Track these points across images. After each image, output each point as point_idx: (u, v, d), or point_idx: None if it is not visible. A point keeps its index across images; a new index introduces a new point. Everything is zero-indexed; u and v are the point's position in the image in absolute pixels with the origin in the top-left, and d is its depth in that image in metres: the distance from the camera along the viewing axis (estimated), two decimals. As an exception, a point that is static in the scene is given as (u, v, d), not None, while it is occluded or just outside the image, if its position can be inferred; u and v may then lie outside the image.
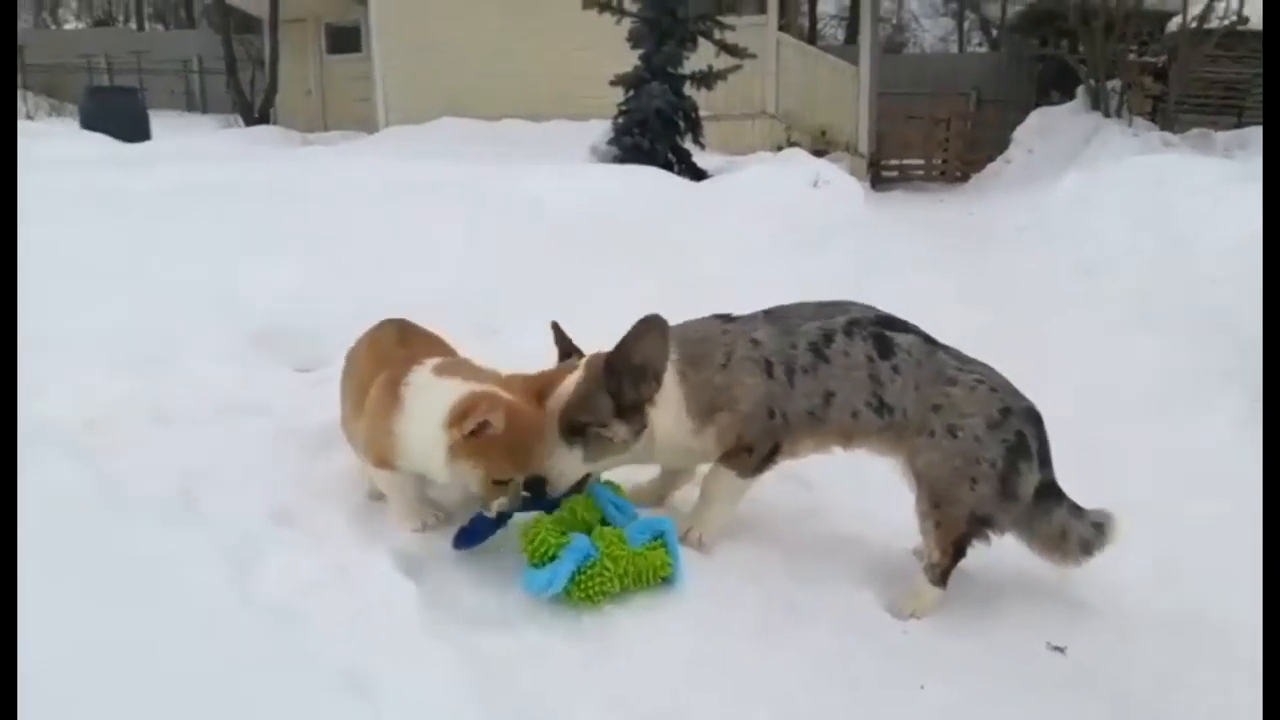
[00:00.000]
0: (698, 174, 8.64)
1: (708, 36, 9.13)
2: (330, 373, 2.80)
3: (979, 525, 2.15)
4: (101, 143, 10.50)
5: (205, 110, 20.38)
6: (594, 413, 2.03)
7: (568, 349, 2.27)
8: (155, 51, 21.37)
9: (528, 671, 1.71)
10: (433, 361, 2.06)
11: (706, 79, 8.95)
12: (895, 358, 2.16)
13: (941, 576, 2.16)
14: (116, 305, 3.29)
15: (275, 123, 15.16)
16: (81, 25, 33.00)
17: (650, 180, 5.93)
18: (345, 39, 17.27)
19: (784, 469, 2.49)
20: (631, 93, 9.01)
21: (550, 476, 2.03)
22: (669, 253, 4.44)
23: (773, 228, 5.29)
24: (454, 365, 2.09)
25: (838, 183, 7.39)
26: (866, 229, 6.59)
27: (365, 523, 2.10)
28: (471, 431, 1.84)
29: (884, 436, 2.20)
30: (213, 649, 1.54)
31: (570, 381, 2.06)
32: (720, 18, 9.37)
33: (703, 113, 9.29)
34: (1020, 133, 13.32)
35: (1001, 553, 2.22)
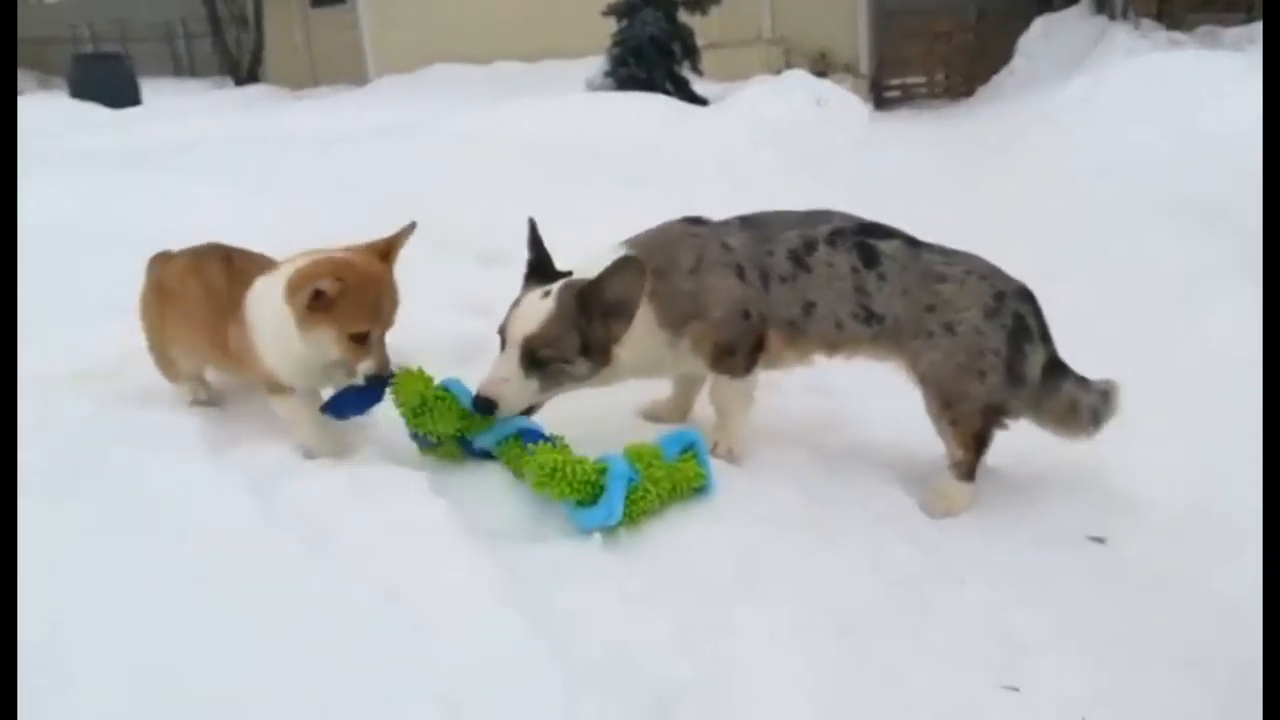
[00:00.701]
0: (696, 102, 8.48)
1: (697, -40, 8.91)
2: None
3: (994, 415, 2.13)
4: (93, 110, 10.44)
5: (194, 74, 20.10)
6: (559, 348, 1.99)
7: (541, 257, 2.17)
8: (137, 18, 20.98)
9: (567, 583, 1.68)
10: (263, 274, 2.04)
11: (700, 3, 8.75)
12: (881, 265, 2.13)
13: (968, 472, 2.16)
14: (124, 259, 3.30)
15: (265, 81, 14.94)
16: (61, -4, 32.40)
17: (645, 105, 5.83)
18: (328, -9, 16.94)
19: (803, 379, 2.48)
20: (624, 22, 8.82)
21: (502, 400, 1.98)
22: (668, 178, 4.38)
23: (776, 150, 5.20)
24: (281, 262, 2.05)
25: (841, 101, 7.24)
26: (871, 147, 6.48)
27: (386, 445, 2.10)
28: (312, 300, 1.86)
29: (877, 344, 2.18)
30: (243, 569, 1.54)
31: (535, 307, 2.00)
32: (712, -61, 9.12)
33: (699, 40, 9.10)
34: (1024, 42, 12.99)
35: (1029, 441, 2.20)
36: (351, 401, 2.05)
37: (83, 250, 3.25)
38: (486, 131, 5.30)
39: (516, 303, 2.08)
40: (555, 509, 1.88)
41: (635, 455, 1.90)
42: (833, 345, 2.21)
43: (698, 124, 5.52)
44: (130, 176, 4.39)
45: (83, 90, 11.75)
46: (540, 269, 2.16)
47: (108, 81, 11.75)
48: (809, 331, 2.17)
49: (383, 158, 4.83)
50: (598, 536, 1.80)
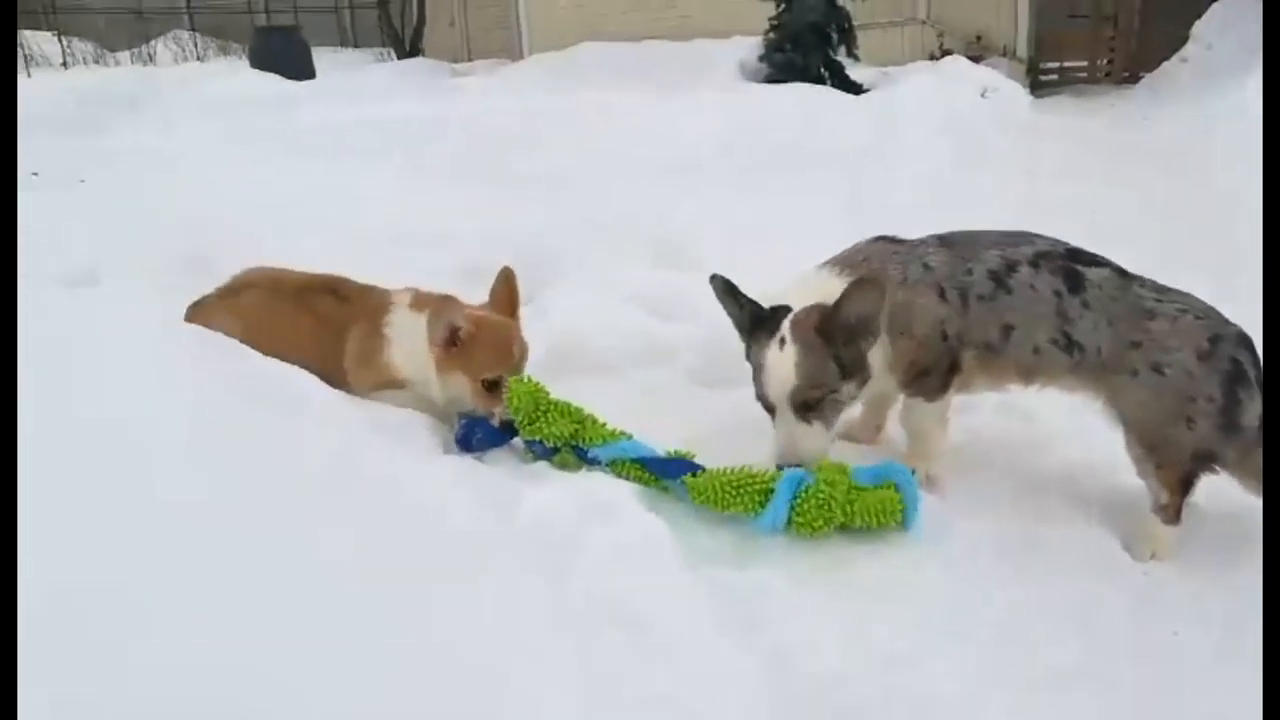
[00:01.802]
0: (852, 88, 8.46)
1: (862, -57, 8.83)
2: (538, 308, 3.02)
3: (1203, 462, 2.02)
4: (273, 81, 11.14)
5: (356, 45, 21.10)
6: (823, 385, 2.01)
7: (749, 310, 2.13)
8: (308, -11, 22.15)
9: (772, 608, 1.75)
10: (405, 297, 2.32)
11: (862, -12, 8.69)
12: (1086, 293, 2.05)
13: (1174, 514, 2.05)
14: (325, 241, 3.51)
15: (424, 55, 15.59)
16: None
17: (810, 98, 5.91)
18: (486, -34, 17.46)
19: (1001, 402, 2.47)
20: (783, 6, 8.84)
21: (805, 459, 2.02)
22: (837, 175, 4.46)
23: (945, 144, 5.21)
24: (396, 293, 2.35)
25: (1004, 91, 7.12)
26: (1035, 141, 6.35)
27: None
28: (448, 340, 2.09)
29: (1075, 375, 2.11)
30: (489, 582, 1.62)
31: (782, 361, 2.01)
32: (876, -78, 9.00)
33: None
34: (1200, 27, 12.22)
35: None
36: (483, 439, 2.23)
37: (279, 233, 3.52)
38: (653, 124, 5.50)
39: (759, 366, 2.08)
40: (757, 534, 1.95)
41: (819, 468, 1.96)
42: (1028, 372, 2.17)
43: (863, 118, 5.57)
44: (324, 163, 4.76)
45: (262, 61, 12.49)
46: (757, 321, 2.12)
47: (285, 53, 12.46)
48: (1005, 355, 2.13)
49: (554, 150, 5.06)
50: (805, 565, 1.86)
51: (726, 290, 2.16)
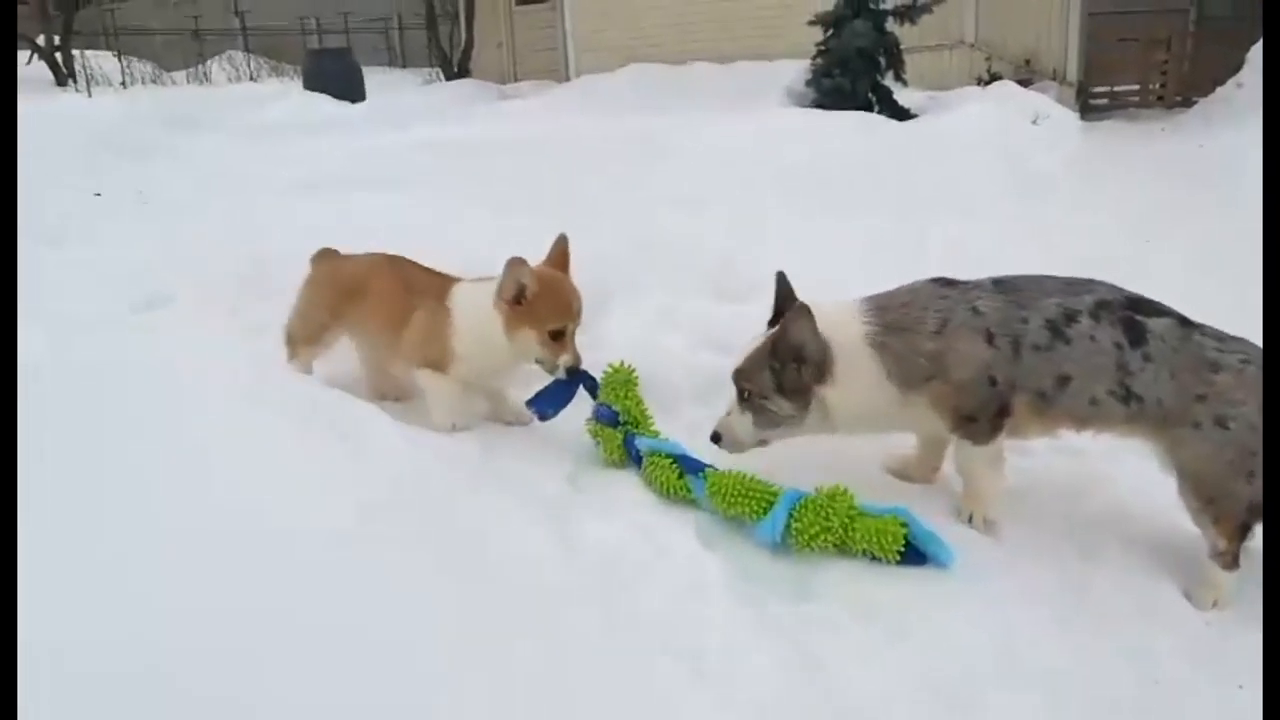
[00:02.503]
0: (900, 113, 8.44)
1: (911, -32, 8.82)
2: (603, 333, 3.04)
3: (1259, 513, 1.99)
4: (326, 102, 11.39)
5: (405, 65, 21.47)
6: (756, 384, 2.18)
7: (784, 307, 2.26)
8: (359, 11, 22.62)
9: (827, 645, 1.77)
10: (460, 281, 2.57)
11: (910, 13, 8.67)
12: (1148, 345, 2.03)
13: (1232, 560, 2.04)
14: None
15: (472, 75, 15.82)
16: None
17: (862, 125, 5.90)
18: (533, -11, 17.72)
19: (1053, 442, 2.44)
20: (831, 31, 8.85)
21: (725, 432, 2.24)
22: (896, 206, 4.42)
23: (998, 173, 5.18)
24: (460, 280, 2.59)
25: (1056, 118, 7.05)
26: (1087, 167, 6.28)
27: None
28: (515, 298, 2.30)
29: (1131, 425, 2.10)
30: (554, 615, 1.67)
31: (748, 346, 2.22)
32: (925, -53, 8.99)
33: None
34: (1257, 53, 12.02)
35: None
36: (552, 397, 2.43)
37: None
38: (703, 149, 5.53)
39: None
40: (816, 568, 2.01)
41: (823, 491, 2.05)
42: (1082, 421, 2.15)
43: (913, 145, 5.55)
44: (378, 186, 4.83)
45: (314, 82, 12.77)
46: (774, 316, 2.31)
47: (338, 75, 12.73)
48: (1059, 404, 2.12)
49: (605, 176, 5.09)
50: (863, 603, 1.89)
51: (781, 287, 2.34)
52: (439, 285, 2.58)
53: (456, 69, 15.88)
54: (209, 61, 19.49)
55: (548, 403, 2.43)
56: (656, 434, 2.43)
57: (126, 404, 1.74)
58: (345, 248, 2.89)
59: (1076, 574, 2.04)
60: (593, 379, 2.49)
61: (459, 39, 16.52)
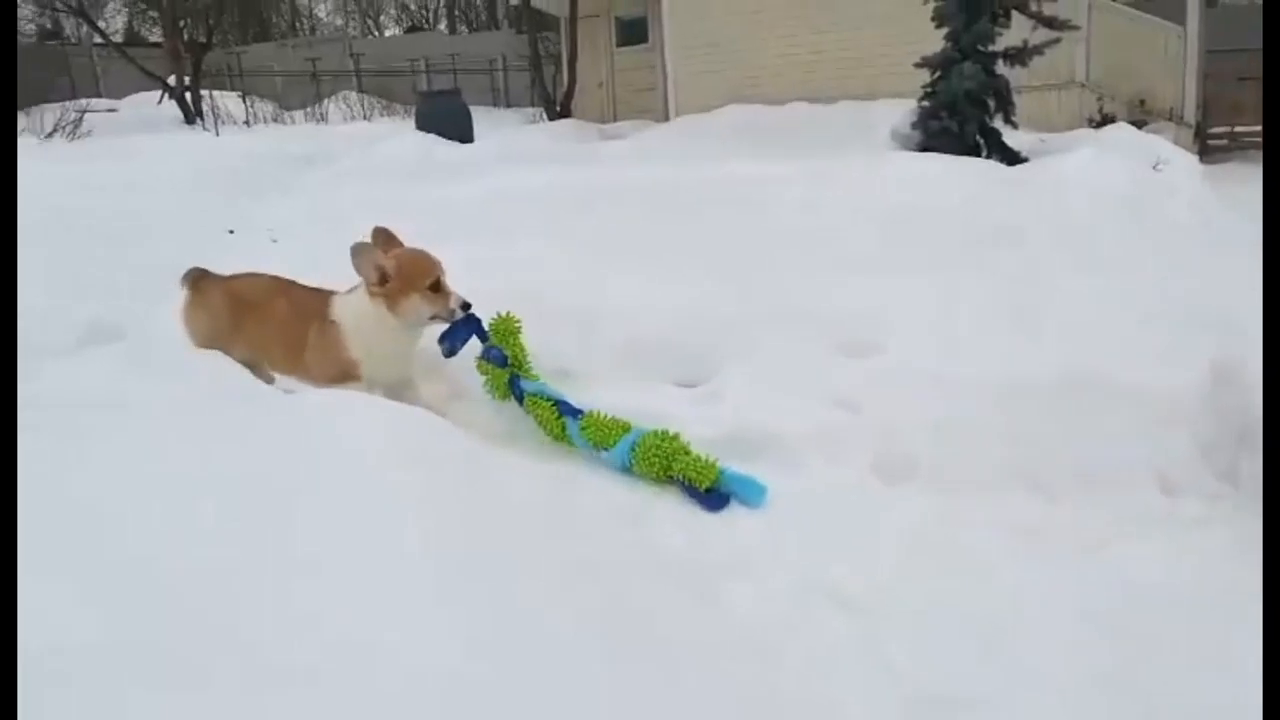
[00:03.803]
0: (1010, 156, 8.27)
1: (1022, 10, 8.65)
2: (715, 388, 3.05)
3: None
4: (436, 143, 11.78)
5: (508, 105, 22.15)
6: None
7: None
8: (464, 53, 23.49)
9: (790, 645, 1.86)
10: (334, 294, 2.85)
11: (1022, 55, 8.50)
12: None
13: None
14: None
15: (573, 115, 16.19)
16: (399, 31, 36.91)
17: (977, 172, 5.81)
18: (632, 31, 18.07)
19: None
20: (938, 74, 8.75)
21: None
22: (1014, 258, 4.29)
23: (1120, 223, 5.01)
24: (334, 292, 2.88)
25: (1178, 163, 6.80)
26: (1212, 215, 6.02)
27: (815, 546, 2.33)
28: (380, 279, 2.59)
29: None
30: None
31: None
32: (1039, -12, 8.80)
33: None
34: (1394, 90, 11.38)
35: None
36: (456, 333, 2.84)
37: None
38: (811, 194, 5.51)
39: None
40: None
41: (660, 431, 2.57)
42: None
43: (1028, 192, 5.43)
44: (495, 230, 4.97)
45: (426, 122, 13.21)
46: None
47: (447, 116, 13.14)
48: None
49: (711, 222, 5.11)
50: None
51: None
52: (319, 302, 2.84)
53: (559, 109, 16.27)
54: (325, 101, 20.45)
55: (455, 338, 2.86)
56: (537, 378, 2.98)
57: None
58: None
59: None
60: (483, 326, 2.95)
61: (561, 80, 16.94)
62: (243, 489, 1.71)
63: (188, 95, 19.35)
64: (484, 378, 3.01)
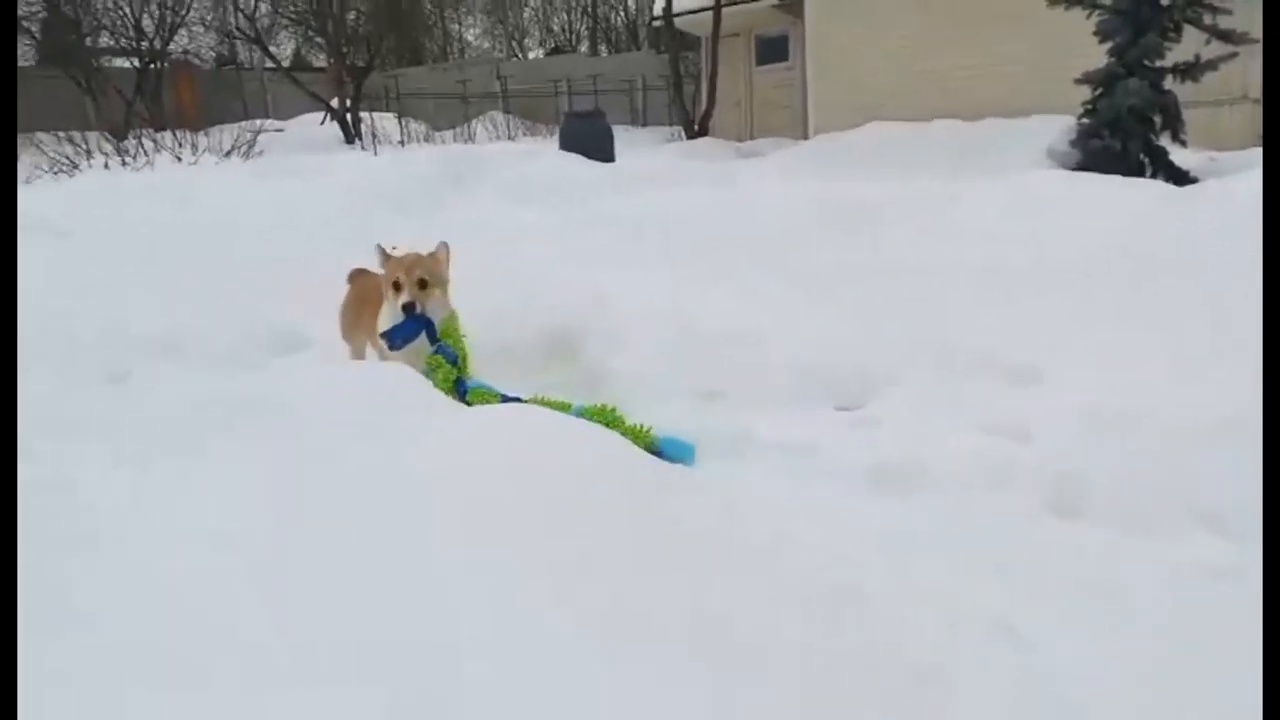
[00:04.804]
0: (1178, 176, 7.83)
1: (1196, 23, 8.19)
2: (873, 413, 3.03)
3: None
4: (579, 163, 12.08)
5: (644, 124, 22.53)
6: None
7: None
8: (605, 73, 24.06)
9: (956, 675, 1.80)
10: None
11: (1193, 70, 8.06)
12: None
13: None
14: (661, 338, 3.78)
15: (710, 134, 16.32)
16: (541, 53, 38.13)
17: (1146, 195, 5.53)
18: (772, 49, 18.10)
19: None
20: (1100, 90, 8.39)
21: None
22: (1191, 290, 4.01)
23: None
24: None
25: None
26: None
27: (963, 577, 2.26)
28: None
29: None
30: None
31: None
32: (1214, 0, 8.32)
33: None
34: None
35: None
36: (398, 331, 3.23)
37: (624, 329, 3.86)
38: (964, 216, 5.38)
39: None
40: None
41: (600, 404, 2.95)
42: None
43: (1202, 218, 5.11)
44: (650, 253, 5.07)
45: (569, 143, 13.57)
46: None
47: (590, 137, 13.46)
48: None
49: (868, 246, 5.03)
50: None
51: None
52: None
53: (697, 127, 16.43)
54: (473, 121, 21.34)
55: (396, 334, 3.25)
56: (474, 374, 3.31)
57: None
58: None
59: None
60: (433, 326, 3.31)
61: (700, 99, 17.11)
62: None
63: (348, 116, 20.59)
64: (430, 368, 3.26)
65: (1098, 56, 8.55)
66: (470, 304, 4.25)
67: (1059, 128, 9.48)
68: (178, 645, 1.50)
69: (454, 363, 3.21)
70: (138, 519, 1.88)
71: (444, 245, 3.44)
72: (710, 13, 16.18)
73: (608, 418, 2.82)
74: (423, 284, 3.30)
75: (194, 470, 2.05)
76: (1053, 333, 3.40)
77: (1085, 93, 8.65)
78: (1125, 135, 8.00)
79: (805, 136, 14.66)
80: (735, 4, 16.35)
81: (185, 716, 1.37)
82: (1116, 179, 5.99)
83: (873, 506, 2.51)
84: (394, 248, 3.46)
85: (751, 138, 17.16)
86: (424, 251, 3.41)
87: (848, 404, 3.26)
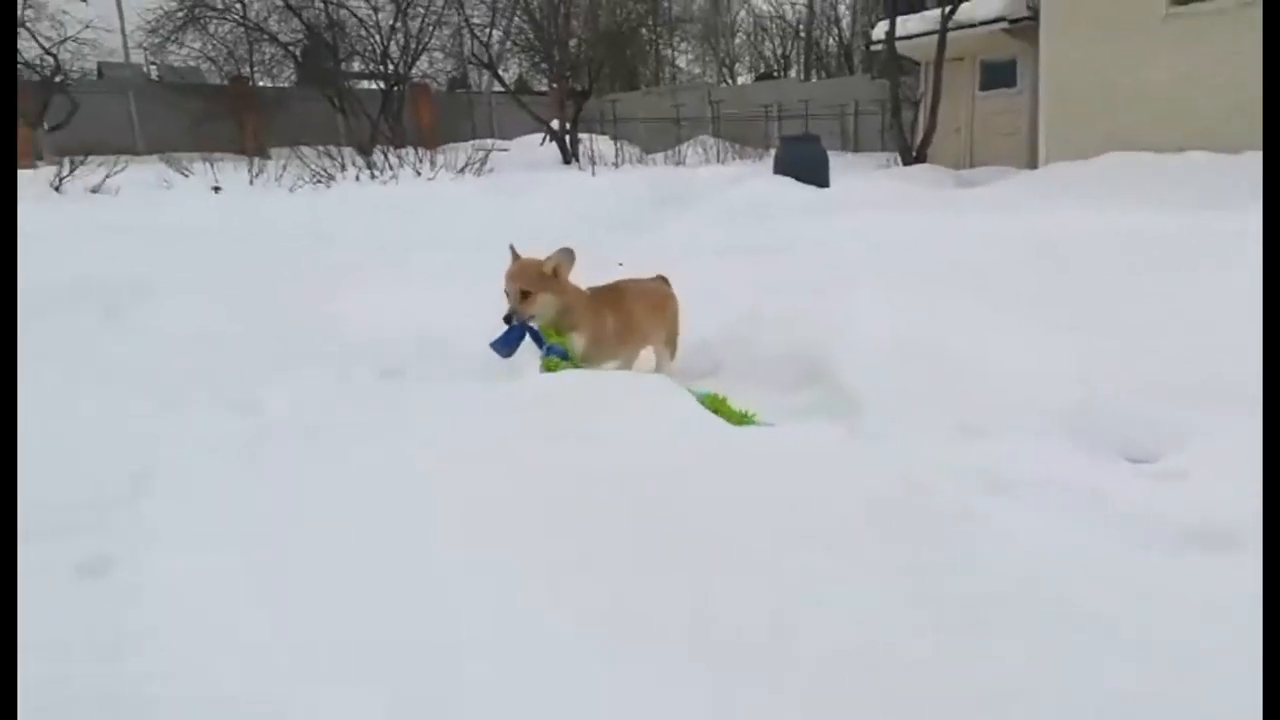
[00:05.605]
0: None
1: None
2: (1176, 465, 2.80)
3: None
4: (795, 187, 12.05)
5: (856, 149, 22.19)
6: None
7: None
8: (816, 98, 23.91)
9: None
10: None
11: None
12: None
13: None
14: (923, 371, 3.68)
15: (928, 161, 15.84)
16: (750, 79, 38.44)
17: None
18: (998, 75, 17.36)
19: None
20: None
21: None
22: None
23: None
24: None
25: None
26: None
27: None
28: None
29: None
30: None
31: None
32: None
33: None
34: None
35: None
36: (502, 340, 3.37)
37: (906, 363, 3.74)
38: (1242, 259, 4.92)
39: None
40: None
41: (715, 393, 3.11)
42: None
43: None
44: (879, 281, 4.95)
45: (784, 167, 13.55)
46: None
47: (806, 161, 13.38)
48: None
49: (1117, 282, 4.68)
50: None
51: None
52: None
53: (915, 154, 15.99)
54: (684, 145, 21.80)
55: (498, 343, 3.38)
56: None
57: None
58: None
59: None
60: (537, 331, 3.42)
61: (917, 125, 16.65)
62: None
63: (567, 138, 21.59)
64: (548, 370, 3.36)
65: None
66: (697, 321, 4.37)
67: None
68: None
69: (565, 358, 3.35)
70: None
71: (564, 251, 3.46)
72: (932, 37, 15.74)
73: (719, 403, 3.02)
74: (524, 294, 3.37)
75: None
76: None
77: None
78: None
79: (1032, 165, 13.94)
80: (961, 28, 15.82)
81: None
82: None
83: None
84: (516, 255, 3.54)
85: (970, 166, 16.52)
86: (541, 256, 3.47)
87: (1136, 454, 2.97)
